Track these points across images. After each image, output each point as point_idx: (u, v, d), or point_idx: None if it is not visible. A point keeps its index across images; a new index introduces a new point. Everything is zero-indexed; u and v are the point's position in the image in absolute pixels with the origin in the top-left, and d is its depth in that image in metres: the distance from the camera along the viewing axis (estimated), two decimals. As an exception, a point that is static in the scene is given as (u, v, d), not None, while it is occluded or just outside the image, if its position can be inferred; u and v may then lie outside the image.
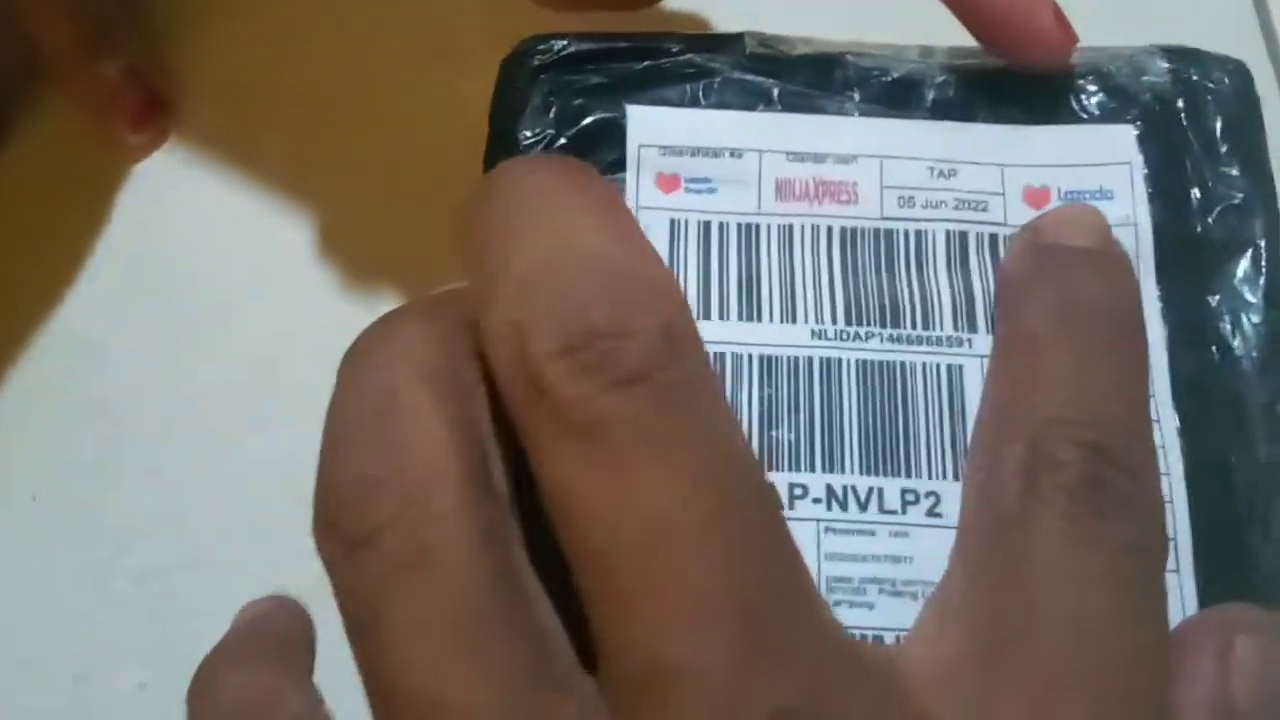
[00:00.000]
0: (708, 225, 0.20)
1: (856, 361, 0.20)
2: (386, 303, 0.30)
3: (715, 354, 0.20)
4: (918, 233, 0.20)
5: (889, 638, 0.18)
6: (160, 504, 0.28)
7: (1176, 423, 0.19)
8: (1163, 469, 0.19)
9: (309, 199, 0.31)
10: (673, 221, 0.20)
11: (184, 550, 0.28)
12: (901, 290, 0.20)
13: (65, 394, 0.29)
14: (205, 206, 0.31)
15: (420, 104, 0.32)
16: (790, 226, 0.20)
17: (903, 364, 0.20)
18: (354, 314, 0.29)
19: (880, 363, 0.20)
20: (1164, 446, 0.19)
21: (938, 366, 0.20)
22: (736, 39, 0.23)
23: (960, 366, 0.20)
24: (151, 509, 0.28)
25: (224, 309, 0.30)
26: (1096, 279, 0.18)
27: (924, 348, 0.20)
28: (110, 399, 0.29)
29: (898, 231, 0.20)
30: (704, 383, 0.15)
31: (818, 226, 0.20)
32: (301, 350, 0.29)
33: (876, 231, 0.20)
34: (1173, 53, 0.22)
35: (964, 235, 0.20)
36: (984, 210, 0.20)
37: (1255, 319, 0.20)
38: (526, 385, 0.15)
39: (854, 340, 0.20)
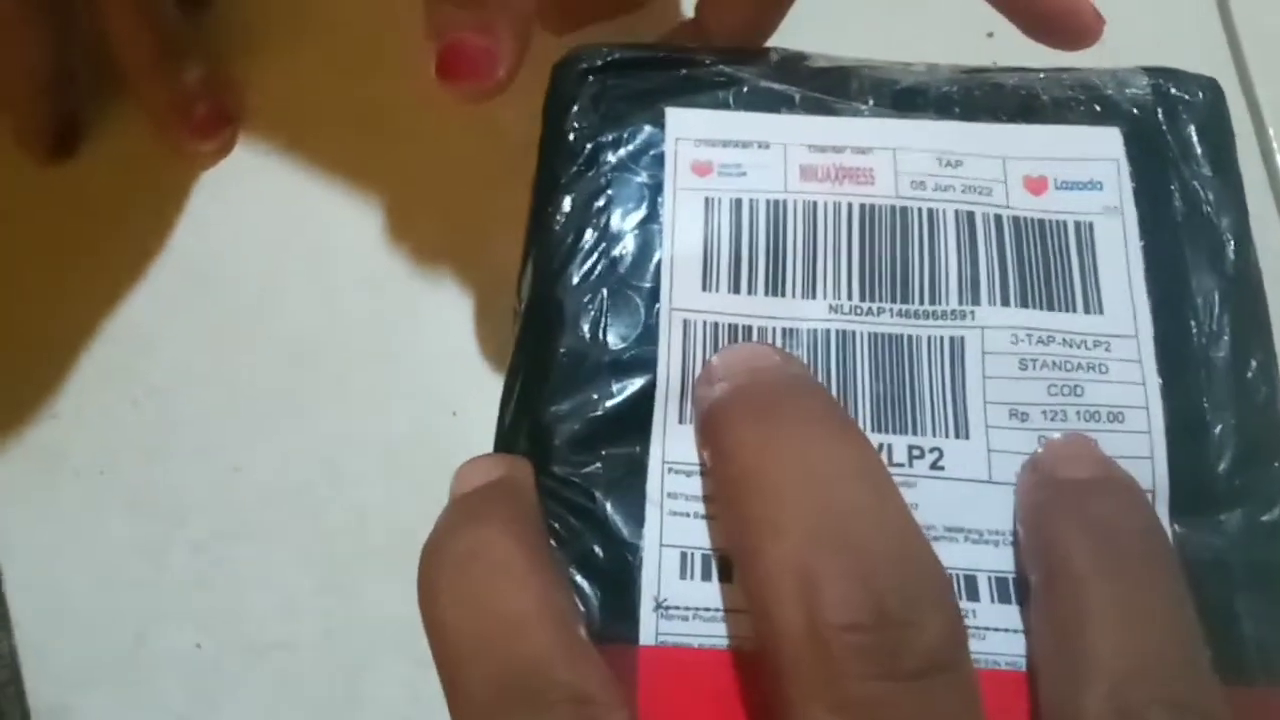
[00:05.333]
0: (738, 202, 0.23)
1: (869, 334, 0.22)
2: (421, 302, 0.32)
3: (743, 326, 0.22)
4: (930, 211, 0.23)
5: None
6: (211, 480, 0.30)
7: (1159, 384, 0.21)
8: (1143, 428, 0.21)
9: (355, 209, 0.34)
10: (707, 199, 0.23)
11: (233, 523, 0.30)
12: (913, 265, 0.22)
13: (127, 380, 0.31)
14: (262, 213, 0.33)
15: (461, 125, 0.34)
16: (814, 203, 0.23)
17: (911, 336, 0.22)
18: (389, 311, 0.32)
19: (890, 335, 0.22)
20: (1147, 408, 0.21)
21: (942, 338, 0.22)
22: (763, 53, 0.25)
23: (962, 338, 0.22)
24: (204, 485, 0.30)
25: (270, 305, 0.32)
26: (1118, 507, 0.19)
27: (930, 321, 0.22)
28: (166, 386, 0.31)
29: (912, 209, 0.23)
30: (974, 687, 0.17)
31: (839, 203, 0.23)
32: (337, 342, 0.32)
33: (893, 209, 0.23)
34: (1154, 71, 0.25)
35: (971, 215, 0.23)
36: (988, 195, 0.23)
37: (1227, 297, 0.22)
38: (812, 649, 0.16)
39: (867, 315, 0.22)
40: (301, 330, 0.32)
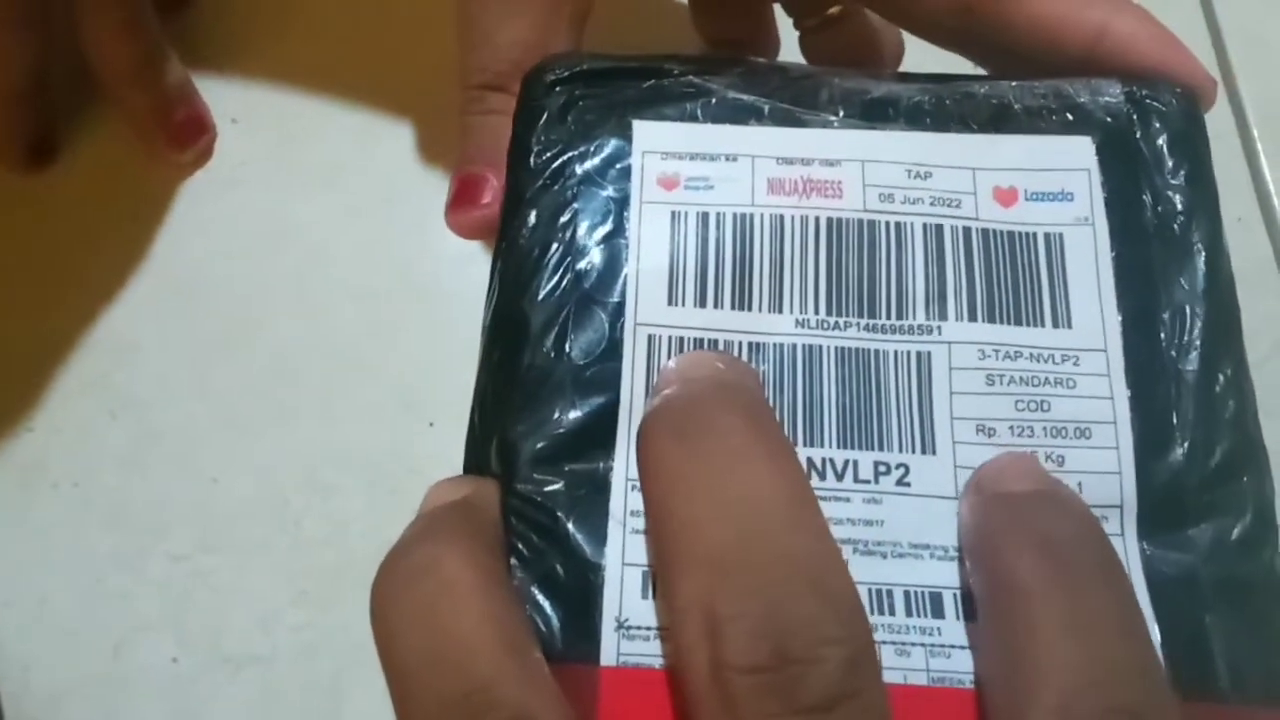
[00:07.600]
0: (705, 215, 0.22)
1: (835, 349, 0.22)
2: (401, 312, 0.32)
3: (709, 340, 0.22)
4: (897, 224, 0.22)
5: (861, 590, 0.20)
6: (190, 493, 0.30)
7: (1128, 399, 0.21)
8: (1112, 443, 0.21)
9: (336, 219, 0.34)
10: (673, 213, 0.22)
11: (212, 535, 0.30)
12: (880, 279, 0.22)
13: (105, 392, 0.31)
14: (242, 223, 0.33)
15: (447, 132, 0.34)
16: (781, 217, 0.22)
17: (877, 351, 0.22)
18: (368, 321, 0.31)
19: (857, 350, 0.22)
20: (1115, 423, 0.21)
21: (908, 354, 0.22)
22: (732, 63, 0.25)
23: (929, 353, 0.22)
24: (182, 497, 0.30)
25: (249, 316, 0.32)
26: (1061, 519, 0.19)
27: (897, 336, 0.22)
28: (146, 396, 0.31)
29: (879, 223, 0.22)
30: (881, 711, 0.16)
31: (806, 217, 0.22)
32: (316, 353, 0.32)
33: (860, 222, 0.22)
34: (1129, 78, 0.24)
35: (939, 228, 0.22)
36: (957, 207, 0.23)
37: (1198, 310, 0.22)
38: (714, 689, 0.16)
39: (833, 329, 0.22)
40: (280, 341, 0.32)
